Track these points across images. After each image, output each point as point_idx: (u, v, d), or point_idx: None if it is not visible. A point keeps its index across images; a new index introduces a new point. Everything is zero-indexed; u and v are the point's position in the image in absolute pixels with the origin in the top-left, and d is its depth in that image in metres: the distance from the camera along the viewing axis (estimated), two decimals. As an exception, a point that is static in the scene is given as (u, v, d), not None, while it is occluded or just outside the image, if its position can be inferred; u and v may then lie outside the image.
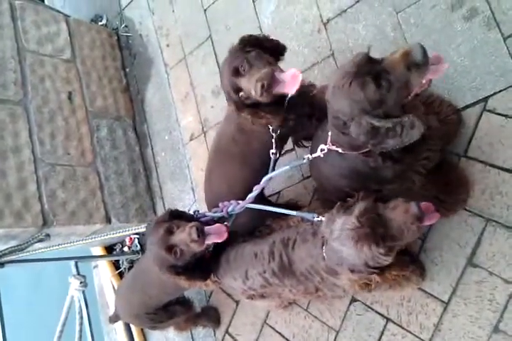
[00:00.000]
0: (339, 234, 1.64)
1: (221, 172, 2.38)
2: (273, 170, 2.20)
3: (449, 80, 2.26)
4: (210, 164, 2.46)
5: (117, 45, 4.17)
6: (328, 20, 2.77)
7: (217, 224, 2.12)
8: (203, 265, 2.23)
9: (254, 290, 2.19)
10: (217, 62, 3.40)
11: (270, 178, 2.18)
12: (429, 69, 1.58)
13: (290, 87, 1.87)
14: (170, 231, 2.05)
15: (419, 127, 1.60)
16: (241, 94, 1.96)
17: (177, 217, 2.17)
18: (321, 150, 1.91)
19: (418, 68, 1.56)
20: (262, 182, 2.18)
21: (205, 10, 3.51)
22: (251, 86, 1.87)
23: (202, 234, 1.99)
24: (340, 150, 1.83)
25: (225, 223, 2.20)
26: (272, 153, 2.17)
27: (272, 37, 2.11)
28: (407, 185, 1.95)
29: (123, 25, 4.19)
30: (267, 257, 2.06)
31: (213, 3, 3.45)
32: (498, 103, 2.12)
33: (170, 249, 2.03)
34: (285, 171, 2.15)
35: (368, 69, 1.58)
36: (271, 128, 2.11)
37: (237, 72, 1.93)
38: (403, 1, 2.44)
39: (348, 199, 1.79)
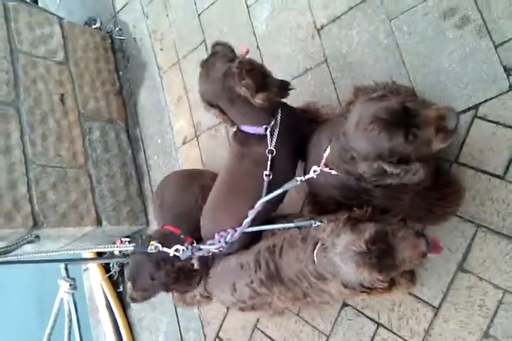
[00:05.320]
0: (343, 251, 1.62)
1: (233, 209, 2.29)
2: (267, 192, 2.16)
3: (441, 87, 2.28)
4: (217, 197, 2.38)
5: (111, 48, 4.16)
6: (322, 27, 2.79)
7: None
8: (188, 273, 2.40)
9: (243, 302, 2.18)
10: (211, 66, 3.40)
11: (265, 202, 2.15)
12: (453, 137, 1.63)
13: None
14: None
15: (421, 175, 1.65)
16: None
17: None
18: (314, 171, 1.96)
19: (445, 133, 1.59)
20: (256, 206, 2.16)
21: (199, 14, 3.51)
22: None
23: None
24: (333, 172, 1.89)
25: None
26: (266, 175, 2.15)
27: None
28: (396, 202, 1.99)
29: (117, 29, 4.18)
30: (253, 267, 2.05)
31: (208, 8, 3.46)
32: (489, 110, 2.15)
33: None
34: (279, 193, 2.12)
35: (403, 122, 1.58)
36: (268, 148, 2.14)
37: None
38: (396, 8, 2.47)
39: (355, 210, 1.79)
